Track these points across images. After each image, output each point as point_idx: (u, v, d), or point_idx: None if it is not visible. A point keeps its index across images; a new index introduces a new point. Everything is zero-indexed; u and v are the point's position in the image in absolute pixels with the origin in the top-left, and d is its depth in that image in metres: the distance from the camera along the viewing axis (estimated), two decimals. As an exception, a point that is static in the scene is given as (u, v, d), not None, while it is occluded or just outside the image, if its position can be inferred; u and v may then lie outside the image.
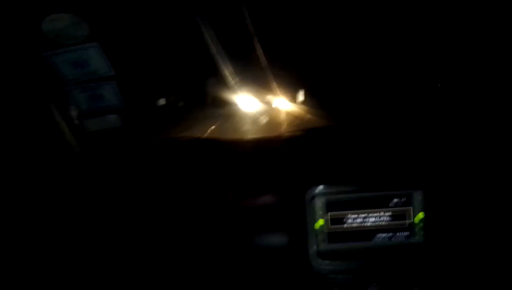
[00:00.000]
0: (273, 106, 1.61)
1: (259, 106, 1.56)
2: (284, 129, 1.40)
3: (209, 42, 1.32)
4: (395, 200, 0.98)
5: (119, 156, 1.17)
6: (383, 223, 0.98)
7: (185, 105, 1.56)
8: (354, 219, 0.98)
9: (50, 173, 1.10)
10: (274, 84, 1.52)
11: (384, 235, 0.99)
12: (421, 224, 0.97)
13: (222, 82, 1.45)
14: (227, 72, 1.43)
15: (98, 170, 1.15)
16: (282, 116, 1.56)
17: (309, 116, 1.50)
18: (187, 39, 1.35)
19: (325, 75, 1.51)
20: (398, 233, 0.99)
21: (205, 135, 1.45)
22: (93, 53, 1.07)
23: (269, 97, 1.58)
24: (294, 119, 1.50)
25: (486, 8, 1.20)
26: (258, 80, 1.52)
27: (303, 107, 1.54)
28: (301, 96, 1.57)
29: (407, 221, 0.98)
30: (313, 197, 0.98)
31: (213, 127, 1.54)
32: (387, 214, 0.98)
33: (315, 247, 0.98)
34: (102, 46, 1.06)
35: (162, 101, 1.46)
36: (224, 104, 1.52)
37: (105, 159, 1.15)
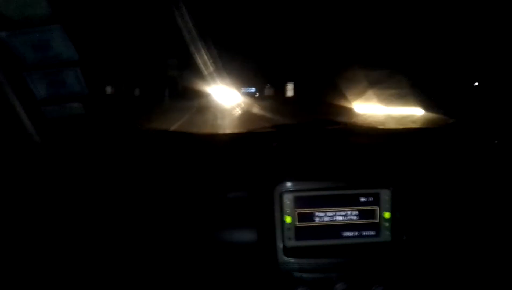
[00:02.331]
0: (245, 101, 1.59)
1: (231, 100, 1.54)
2: (255, 125, 1.38)
3: (183, 29, 1.27)
4: (363, 198, 0.98)
5: (83, 146, 1.11)
6: (351, 221, 0.98)
7: (154, 95, 1.51)
8: (322, 217, 0.98)
9: (7, 164, 1.04)
10: (248, 79, 1.50)
11: (351, 233, 0.99)
12: (388, 223, 0.98)
13: (195, 73, 1.41)
14: (201, 62, 1.38)
15: (59, 161, 1.09)
16: (254, 111, 1.54)
17: (281, 112, 1.49)
18: (160, 24, 1.30)
19: (296, 72, 1.51)
20: (365, 231, 0.99)
21: (174, 127, 1.41)
22: (55, 36, 1.01)
23: (242, 92, 1.56)
24: (265, 115, 1.49)
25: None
26: (232, 73, 1.49)
27: (275, 103, 1.53)
28: (273, 92, 1.56)
29: (375, 220, 0.99)
30: (281, 194, 0.97)
31: (182, 119, 1.50)
32: (355, 212, 0.98)
33: (283, 243, 0.97)
34: (65, 28, 1.00)
35: (129, 90, 1.41)
36: (195, 96, 1.48)
37: (67, 149, 1.09)
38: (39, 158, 1.08)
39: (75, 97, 1.08)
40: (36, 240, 0.99)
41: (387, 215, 0.98)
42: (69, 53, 1.03)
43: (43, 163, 1.07)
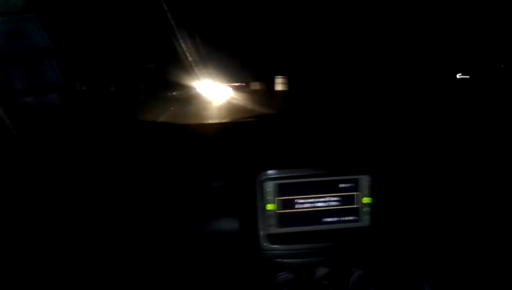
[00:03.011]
0: (228, 91, 1.58)
1: (214, 90, 1.53)
2: (237, 115, 1.38)
3: (167, 15, 1.24)
4: (343, 185, 1.00)
5: (60, 138, 1.09)
6: (331, 207, 1.00)
7: (137, 86, 1.48)
8: (303, 203, 0.99)
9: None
10: (231, 69, 1.49)
11: (332, 218, 1.01)
12: (368, 208, 1.00)
13: (179, 63, 1.39)
14: (186, 51, 1.36)
15: (37, 154, 1.06)
16: (236, 101, 1.54)
17: (261, 102, 1.50)
18: (141, 13, 1.27)
19: (280, 63, 1.51)
20: (345, 217, 1.01)
21: (155, 118, 1.40)
22: (30, 25, 0.98)
23: (225, 82, 1.55)
24: (248, 106, 1.49)
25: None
26: (216, 63, 1.48)
27: (257, 93, 1.54)
28: (258, 86, 1.56)
29: (354, 205, 1.00)
30: (263, 181, 0.98)
31: (167, 111, 1.49)
32: (335, 198, 1.00)
33: (265, 230, 0.98)
34: (40, 17, 0.97)
35: (107, 82, 1.38)
36: (179, 87, 1.46)
37: (45, 142, 1.07)
38: (16, 151, 1.06)
39: (51, 88, 1.06)
40: (16, 234, 0.97)
41: (366, 200, 1.00)
42: (44, 43, 1.00)
43: (21, 156, 1.04)
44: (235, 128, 1.19)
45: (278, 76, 1.57)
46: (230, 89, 1.57)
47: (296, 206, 0.99)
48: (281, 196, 0.98)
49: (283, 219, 0.99)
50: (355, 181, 1.00)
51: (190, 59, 1.34)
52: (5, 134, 1.05)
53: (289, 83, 1.54)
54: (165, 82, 1.46)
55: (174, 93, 1.49)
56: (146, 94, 1.47)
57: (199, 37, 1.32)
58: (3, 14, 0.97)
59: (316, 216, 1.00)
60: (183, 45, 1.30)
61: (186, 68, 1.39)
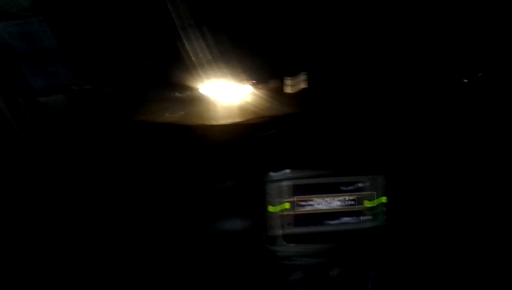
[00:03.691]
0: (240, 92, 1.56)
1: (226, 91, 1.51)
2: (244, 116, 1.37)
3: (174, 14, 1.23)
4: (352, 185, 1.00)
5: (67, 138, 1.08)
6: (346, 207, 1.00)
7: (145, 87, 1.47)
8: (318, 203, 0.99)
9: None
10: (242, 69, 1.48)
11: (347, 219, 1.01)
12: (383, 208, 1.00)
13: (187, 63, 1.37)
14: (193, 50, 1.35)
15: (43, 154, 1.06)
16: (249, 102, 1.53)
17: (275, 103, 1.48)
18: (149, 12, 1.26)
19: (290, 61, 1.49)
20: (360, 217, 1.01)
21: (168, 119, 1.39)
22: (37, 25, 0.98)
23: (236, 83, 1.53)
24: (260, 105, 1.47)
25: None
26: (226, 63, 1.46)
27: (269, 93, 1.51)
28: (269, 83, 1.53)
29: (369, 205, 0.99)
30: (278, 181, 0.97)
31: (176, 112, 1.48)
32: (350, 198, 1.00)
33: (279, 230, 0.98)
34: (47, 18, 0.97)
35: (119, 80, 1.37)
36: (184, 88, 1.45)
37: (49, 141, 1.06)
38: (19, 149, 1.05)
39: (58, 88, 1.05)
40: (16, 231, 0.96)
41: (382, 199, 0.99)
42: (51, 43, 1.00)
43: (24, 154, 1.04)
44: (244, 129, 1.18)
45: (287, 77, 1.55)
46: (239, 88, 1.56)
47: (303, 207, 0.99)
48: (288, 197, 0.98)
49: (297, 219, 0.98)
50: (363, 182, 1.00)
51: (198, 58, 1.33)
52: (10, 133, 1.05)
53: (299, 83, 1.52)
54: (172, 82, 1.45)
55: (181, 94, 1.47)
56: (154, 94, 1.46)
57: (207, 35, 1.31)
58: (10, 15, 0.97)
59: (323, 217, 0.99)
60: (189, 44, 1.29)
61: (194, 68, 1.37)
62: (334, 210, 0.99)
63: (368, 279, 0.97)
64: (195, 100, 1.51)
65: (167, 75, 1.48)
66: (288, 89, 1.53)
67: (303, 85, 1.51)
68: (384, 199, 0.99)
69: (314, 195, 0.98)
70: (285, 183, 0.97)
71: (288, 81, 1.54)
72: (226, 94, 1.52)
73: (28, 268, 0.96)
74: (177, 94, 1.47)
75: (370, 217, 1.00)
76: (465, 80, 1.28)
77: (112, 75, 1.31)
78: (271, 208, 0.97)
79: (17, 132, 1.02)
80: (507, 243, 1.06)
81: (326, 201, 0.98)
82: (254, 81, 1.56)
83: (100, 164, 1.04)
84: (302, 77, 1.52)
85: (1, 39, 0.98)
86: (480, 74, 1.21)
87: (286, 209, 0.98)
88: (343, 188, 0.99)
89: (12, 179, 0.99)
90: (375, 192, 0.99)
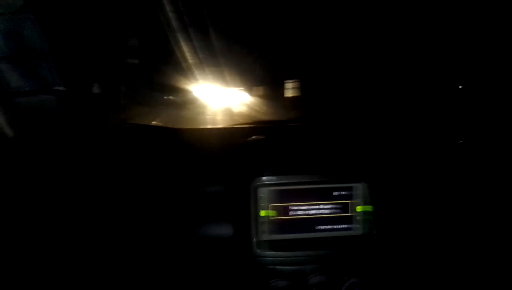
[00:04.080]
0: (225, 96, 1.58)
1: (212, 95, 1.52)
2: (234, 120, 1.37)
3: (167, 18, 1.23)
4: (338, 192, 1.00)
5: (55, 140, 1.08)
6: (325, 214, 0.99)
7: (132, 89, 1.47)
8: (298, 210, 0.99)
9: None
10: (229, 74, 1.49)
11: (326, 226, 1.00)
12: (364, 216, 1.00)
13: (176, 66, 1.38)
14: (184, 54, 1.36)
15: (31, 156, 1.05)
16: (234, 106, 1.54)
17: (264, 108, 1.50)
18: (141, 12, 1.26)
19: (282, 68, 1.51)
20: (340, 225, 1.00)
21: (153, 122, 1.39)
22: (28, 25, 0.98)
23: (222, 87, 1.54)
24: (244, 110, 1.49)
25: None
26: (214, 67, 1.47)
27: (259, 98, 1.53)
28: (259, 88, 1.55)
29: (350, 213, 1.00)
30: (257, 188, 0.97)
31: (161, 115, 1.48)
32: (329, 206, 1.00)
33: (260, 237, 0.97)
34: (38, 18, 0.97)
35: (105, 84, 1.37)
36: (174, 91, 1.46)
37: (40, 143, 1.06)
38: (10, 151, 1.05)
39: (47, 89, 1.05)
40: (12, 234, 0.96)
41: (361, 208, 1.00)
42: (41, 44, 1.00)
43: (15, 157, 1.03)
44: (231, 133, 1.18)
45: (278, 83, 1.56)
46: (227, 93, 1.57)
47: (291, 213, 0.98)
48: (275, 203, 0.98)
49: (278, 226, 0.98)
50: (350, 189, 1.00)
51: (189, 61, 1.34)
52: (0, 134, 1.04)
53: (290, 90, 1.53)
54: (163, 85, 1.46)
55: (171, 97, 1.48)
56: (142, 97, 1.47)
57: (200, 39, 1.32)
58: (0, 14, 0.97)
59: (310, 223, 0.99)
60: (182, 47, 1.30)
61: (185, 71, 1.38)
62: (314, 217, 0.99)
63: (346, 287, 0.98)
64: (185, 103, 1.52)
65: (158, 77, 1.48)
66: (279, 95, 1.55)
67: (294, 92, 1.53)
68: (370, 208, 0.99)
69: (295, 202, 0.98)
70: (272, 188, 0.97)
71: (279, 87, 1.56)
72: (215, 98, 1.53)
73: (23, 270, 0.96)
74: (165, 97, 1.48)
75: (350, 226, 1.00)
76: (460, 87, 1.31)
77: (101, 77, 1.32)
78: (259, 214, 0.97)
79: (9, 136, 1.01)
80: (494, 251, 1.06)
81: (306, 208, 0.98)
82: (245, 86, 1.58)
83: (86, 168, 1.04)
84: (294, 84, 1.54)
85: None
86: (460, 87, 1.24)
87: (273, 215, 0.97)
88: (323, 195, 0.99)
89: (8, 183, 0.98)
90: (355, 201, 0.99)
